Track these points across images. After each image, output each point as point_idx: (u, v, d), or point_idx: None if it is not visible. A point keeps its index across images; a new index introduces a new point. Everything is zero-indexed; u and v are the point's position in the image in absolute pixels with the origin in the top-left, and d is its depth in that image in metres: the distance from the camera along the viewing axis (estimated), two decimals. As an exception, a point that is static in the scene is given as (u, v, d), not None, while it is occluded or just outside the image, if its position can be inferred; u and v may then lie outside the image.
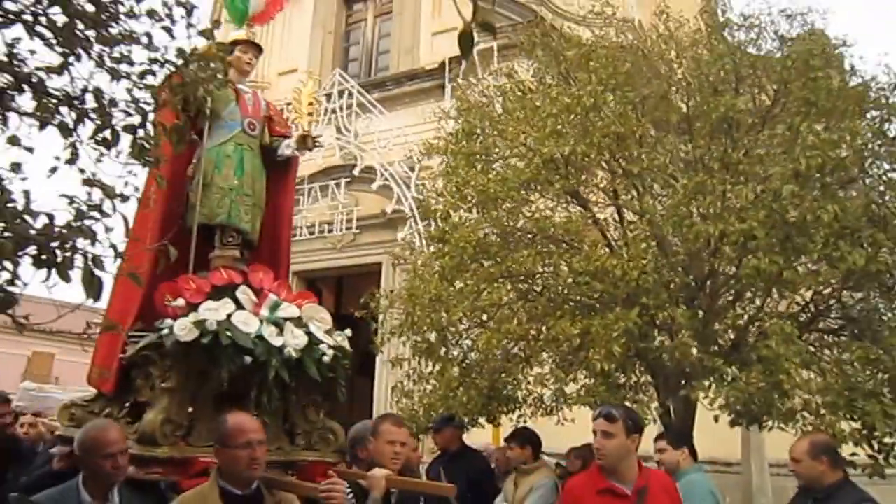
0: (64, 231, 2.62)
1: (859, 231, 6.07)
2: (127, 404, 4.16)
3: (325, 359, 4.23)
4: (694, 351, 6.27)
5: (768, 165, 6.42)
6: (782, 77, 7.07)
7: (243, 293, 4.17)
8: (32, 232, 2.54)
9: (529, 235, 7.55)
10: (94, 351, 4.41)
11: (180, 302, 3.95)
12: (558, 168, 7.15)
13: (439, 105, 13.40)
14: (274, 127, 5.20)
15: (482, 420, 7.75)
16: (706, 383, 6.28)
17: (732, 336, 7.08)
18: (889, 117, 7.21)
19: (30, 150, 2.81)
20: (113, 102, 2.94)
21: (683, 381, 6.66)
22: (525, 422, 7.66)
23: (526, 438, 6.33)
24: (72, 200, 2.69)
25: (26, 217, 2.56)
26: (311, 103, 5.22)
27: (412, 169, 14.65)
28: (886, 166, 7.14)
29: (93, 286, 2.38)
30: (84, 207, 2.48)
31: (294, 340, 4.06)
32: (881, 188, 6.61)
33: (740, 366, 6.33)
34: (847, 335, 6.93)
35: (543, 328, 7.13)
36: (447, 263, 7.38)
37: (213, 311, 3.88)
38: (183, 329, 3.78)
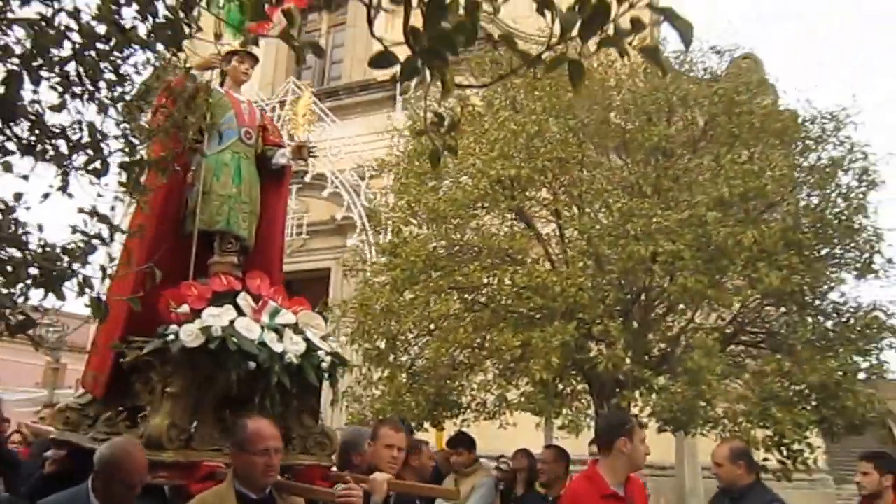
0: (62, 255, 2.94)
1: (776, 255, 6.65)
2: (123, 408, 4.21)
3: (324, 365, 4.33)
4: (627, 361, 6.76)
5: (696, 192, 6.97)
6: (710, 111, 7.65)
7: (244, 299, 4.23)
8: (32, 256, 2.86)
9: (476, 249, 7.96)
10: (89, 355, 4.50)
11: (185, 308, 4.00)
12: (505, 188, 7.59)
13: (390, 117, 13.80)
14: (268, 136, 5.28)
15: (426, 424, 8.11)
16: (637, 393, 6.77)
17: (664, 346, 7.63)
18: (813, 147, 7.89)
19: (25, 177, 3.12)
20: (103, 135, 3.26)
21: (617, 390, 7.13)
22: (468, 426, 8.04)
23: (471, 443, 6.66)
24: (75, 230, 3.02)
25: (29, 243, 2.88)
26: (306, 114, 5.40)
27: (362, 178, 15.01)
28: (805, 193, 7.80)
29: (99, 309, 2.67)
30: (93, 240, 2.76)
31: (293, 347, 4.15)
32: (799, 214, 7.20)
33: (669, 376, 6.86)
34: (766, 348, 7.52)
35: (487, 337, 7.54)
36: (399, 276, 7.74)
37: (217, 318, 3.95)
38: (189, 335, 3.85)
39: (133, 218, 4.24)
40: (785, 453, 6.51)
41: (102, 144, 3.26)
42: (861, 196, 7.48)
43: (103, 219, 3.15)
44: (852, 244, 7.49)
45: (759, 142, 7.51)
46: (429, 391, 7.63)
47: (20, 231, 2.86)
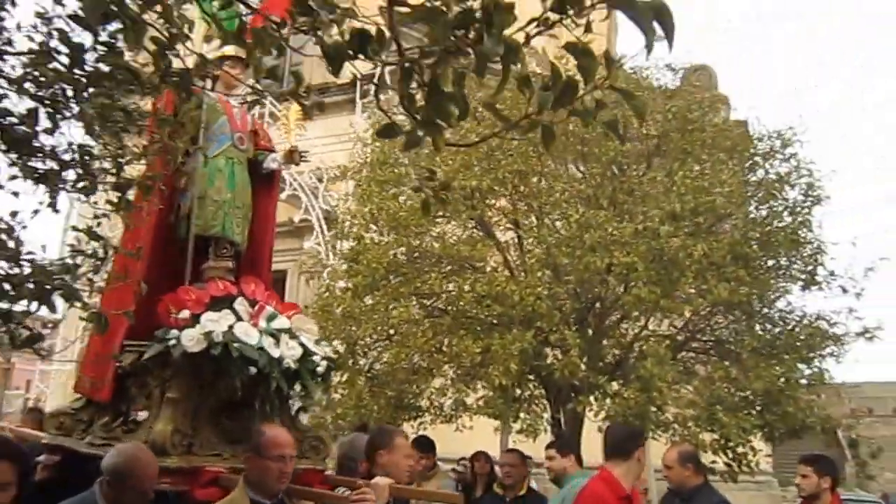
0: (63, 273, 3.09)
1: (725, 267, 6.97)
2: (119, 413, 4.18)
3: (319, 369, 4.38)
4: (582, 368, 7.01)
5: (649, 206, 7.25)
6: (664, 127, 7.95)
7: (241, 304, 4.26)
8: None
9: (436, 257, 8.15)
10: (82, 360, 4.44)
11: (185, 314, 4.02)
12: (466, 198, 7.79)
13: (352, 124, 13.94)
14: (258, 141, 5.28)
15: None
16: (592, 398, 7.03)
17: (618, 353, 7.91)
18: (761, 164, 8.26)
19: (15, 194, 3.24)
20: (92, 155, 3.38)
21: (573, 395, 7.39)
22: (425, 429, 8.21)
23: (433, 447, 6.80)
24: (74, 249, 3.17)
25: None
26: (298, 119, 5.34)
27: (321, 180, 15.11)
28: (753, 206, 8.16)
29: (100, 323, 2.81)
30: (89, 259, 2.91)
31: (290, 351, 4.20)
32: (747, 228, 7.54)
33: (622, 382, 7.14)
34: (715, 355, 7.86)
35: (446, 342, 7.73)
36: (360, 282, 7.89)
37: (216, 323, 3.98)
38: (191, 340, 3.88)
39: (125, 229, 4.28)
40: (731, 456, 6.84)
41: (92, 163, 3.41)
42: (806, 211, 7.86)
43: (97, 238, 3.30)
44: (797, 257, 7.87)
45: (710, 157, 7.83)
46: (389, 395, 7.80)
47: (21, 249, 3.00)
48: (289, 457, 3.13)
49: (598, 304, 7.76)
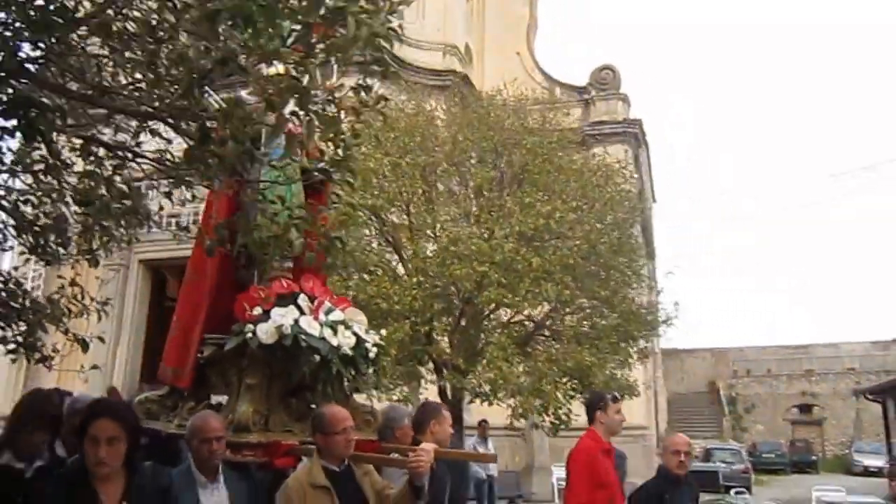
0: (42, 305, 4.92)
1: (555, 274, 9.14)
2: (200, 398, 4.68)
3: (371, 355, 4.76)
4: (447, 351, 9.13)
5: (502, 226, 9.37)
6: (523, 159, 10.07)
7: (303, 301, 4.62)
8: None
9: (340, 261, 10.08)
10: (165, 351, 5.01)
11: (258, 310, 4.45)
12: (369, 217, 9.75)
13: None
14: (307, 149, 5.26)
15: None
16: (454, 375, 9.18)
17: (483, 339, 10.04)
18: (597, 191, 10.45)
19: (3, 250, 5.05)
20: (66, 219, 5.07)
21: (443, 372, 9.50)
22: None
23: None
24: (58, 290, 5.01)
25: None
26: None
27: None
28: (587, 225, 10.36)
29: (84, 344, 4.69)
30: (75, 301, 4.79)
31: (346, 340, 4.58)
32: (574, 245, 9.73)
33: (481, 362, 9.28)
34: (550, 341, 10.12)
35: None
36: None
37: (283, 317, 4.39)
38: (265, 333, 4.31)
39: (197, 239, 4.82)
40: (553, 416, 9.04)
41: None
42: (629, 227, 10.12)
43: (75, 284, 5.11)
44: (623, 264, 10.13)
45: (555, 184, 9.96)
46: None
47: (26, 299, 4.81)
48: (350, 428, 3.67)
49: (467, 302, 9.86)
